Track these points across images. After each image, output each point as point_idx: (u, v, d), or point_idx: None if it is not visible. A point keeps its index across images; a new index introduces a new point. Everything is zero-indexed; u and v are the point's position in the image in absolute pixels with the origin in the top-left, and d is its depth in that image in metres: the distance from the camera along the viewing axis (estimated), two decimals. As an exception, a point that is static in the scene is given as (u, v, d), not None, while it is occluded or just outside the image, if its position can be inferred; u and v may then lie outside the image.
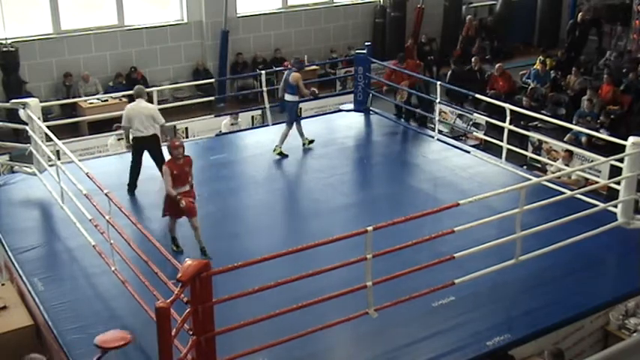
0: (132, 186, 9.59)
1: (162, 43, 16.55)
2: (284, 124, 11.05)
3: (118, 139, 11.55)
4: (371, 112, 12.58)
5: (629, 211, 8.45)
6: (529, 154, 12.07)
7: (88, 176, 7.60)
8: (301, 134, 11.15)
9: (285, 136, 10.90)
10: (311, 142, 11.23)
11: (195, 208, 7.94)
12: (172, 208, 7.92)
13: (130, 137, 9.42)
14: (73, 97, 14.60)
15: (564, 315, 7.04)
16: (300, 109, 11.32)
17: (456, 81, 14.72)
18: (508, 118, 10.15)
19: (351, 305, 6.46)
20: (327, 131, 11.70)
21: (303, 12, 18.35)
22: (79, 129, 13.63)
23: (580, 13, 18.99)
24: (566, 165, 10.86)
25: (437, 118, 11.78)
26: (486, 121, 12.23)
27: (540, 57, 17.03)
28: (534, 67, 16.77)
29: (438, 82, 11.64)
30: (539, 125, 13.24)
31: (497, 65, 16.12)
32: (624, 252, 8.14)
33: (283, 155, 10.88)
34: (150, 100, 12.16)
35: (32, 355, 6.08)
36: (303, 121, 11.46)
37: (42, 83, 15.16)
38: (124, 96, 14.69)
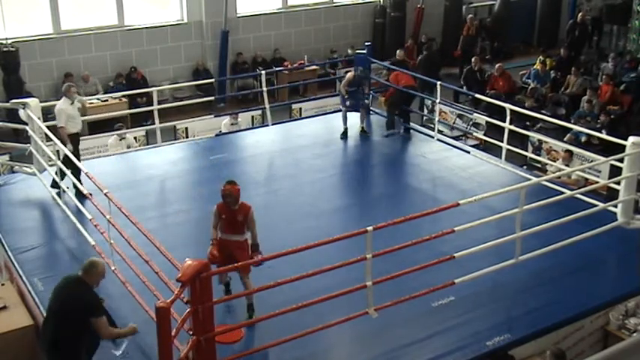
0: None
1: (162, 43, 16.55)
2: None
3: (121, 139, 11.56)
4: (371, 112, 12.57)
5: (629, 211, 8.46)
6: (529, 154, 12.07)
7: (88, 176, 7.60)
8: (344, 120, 11.64)
9: (362, 117, 11.78)
10: (344, 134, 11.56)
11: (247, 265, 6.69)
12: (220, 254, 6.75)
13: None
14: (73, 97, 14.59)
15: (564, 315, 7.04)
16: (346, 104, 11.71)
17: (430, 65, 16.45)
18: (508, 118, 10.15)
19: (351, 305, 6.46)
20: (327, 131, 11.70)
21: (303, 12, 18.35)
22: (79, 129, 13.62)
23: (580, 13, 18.99)
24: (566, 165, 10.86)
25: (437, 119, 11.79)
26: (486, 121, 12.23)
27: (540, 57, 17.04)
28: (534, 67, 16.79)
29: (438, 82, 11.63)
30: (541, 126, 13.23)
31: (497, 65, 16.13)
32: (624, 252, 8.13)
33: (365, 134, 11.68)
34: (150, 101, 12.21)
35: (93, 258, 6.14)
36: (304, 121, 11.51)
37: (42, 83, 15.16)
38: (123, 96, 14.78)
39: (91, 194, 7.75)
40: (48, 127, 9.27)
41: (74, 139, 9.16)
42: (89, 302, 5.84)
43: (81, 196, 8.30)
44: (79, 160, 8.94)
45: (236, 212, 6.79)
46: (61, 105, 9.20)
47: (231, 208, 6.79)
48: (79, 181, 8.46)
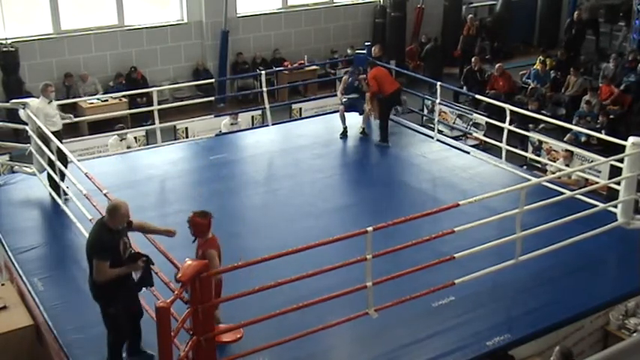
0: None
1: (162, 43, 16.55)
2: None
3: (121, 139, 11.55)
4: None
5: (629, 211, 8.46)
6: (529, 154, 12.07)
7: (87, 176, 7.60)
8: (342, 120, 11.61)
9: (364, 119, 11.66)
10: (344, 134, 11.58)
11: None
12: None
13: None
14: (73, 98, 14.60)
15: (564, 315, 7.04)
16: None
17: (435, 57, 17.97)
18: (508, 119, 10.15)
19: (351, 305, 6.46)
20: (327, 131, 11.70)
21: (303, 12, 18.35)
22: (79, 129, 13.63)
23: (576, 12, 18.99)
24: (567, 165, 10.86)
25: (437, 119, 11.79)
26: (486, 122, 12.23)
27: (540, 57, 17.04)
28: (534, 67, 16.79)
29: (438, 83, 11.63)
30: (542, 127, 13.23)
31: (497, 65, 16.14)
32: (624, 252, 8.13)
33: (365, 135, 11.63)
34: (150, 101, 12.23)
35: (116, 200, 6.14)
36: (304, 121, 11.46)
37: (42, 83, 15.10)
38: (124, 96, 14.77)
39: (67, 187, 7.95)
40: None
41: (56, 138, 9.05)
42: (95, 242, 5.91)
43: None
44: (64, 159, 8.90)
45: (198, 246, 6.22)
46: (39, 104, 9.22)
47: (198, 239, 6.22)
48: (62, 179, 8.73)
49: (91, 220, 7.56)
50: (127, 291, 6.02)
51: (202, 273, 5.40)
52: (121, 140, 11.56)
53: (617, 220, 8.41)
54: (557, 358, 6.14)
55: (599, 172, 11.34)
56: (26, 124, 9.53)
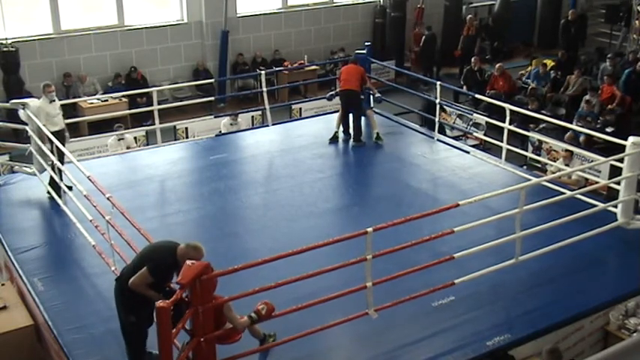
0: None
1: (162, 43, 16.55)
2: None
3: (119, 140, 11.56)
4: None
5: (629, 211, 8.45)
6: (529, 154, 12.07)
7: (89, 179, 7.59)
8: (338, 123, 11.54)
9: (372, 124, 11.59)
10: (334, 138, 11.48)
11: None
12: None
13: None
14: (73, 98, 14.59)
15: (564, 315, 7.04)
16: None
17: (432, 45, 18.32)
18: (508, 119, 10.15)
19: (351, 305, 6.46)
20: (327, 131, 11.69)
21: (303, 12, 18.34)
22: (79, 129, 13.62)
23: (570, 12, 19.00)
24: (567, 165, 10.86)
25: (437, 119, 11.79)
26: (486, 121, 12.23)
27: (534, 60, 17.06)
28: (527, 69, 16.81)
29: (438, 82, 11.63)
30: (543, 127, 13.22)
31: (497, 65, 16.13)
32: (624, 252, 8.14)
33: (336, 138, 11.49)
34: (150, 101, 12.23)
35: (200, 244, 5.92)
36: (304, 121, 11.43)
37: (42, 83, 15.08)
38: (124, 96, 14.77)
39: (70, 188, 7.93)
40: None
41: (57, 138, 9.00)
42: (159, 256, 5.81)
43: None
44: (62, 159, 8.90)
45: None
46: (40, 103, 9.24)
47: None
48: (61, 179, 8.78)
49: (91, 220, 7.57)
50: (151, 311, 5.93)
51: (202, 275, 5.40)
52: (119, 140, 11.57)
53: (617, 220, 8.41)
54: (545, 357, 6.16)
55: (599, 172, 11.33)
56: (26, 124, 9.53)
